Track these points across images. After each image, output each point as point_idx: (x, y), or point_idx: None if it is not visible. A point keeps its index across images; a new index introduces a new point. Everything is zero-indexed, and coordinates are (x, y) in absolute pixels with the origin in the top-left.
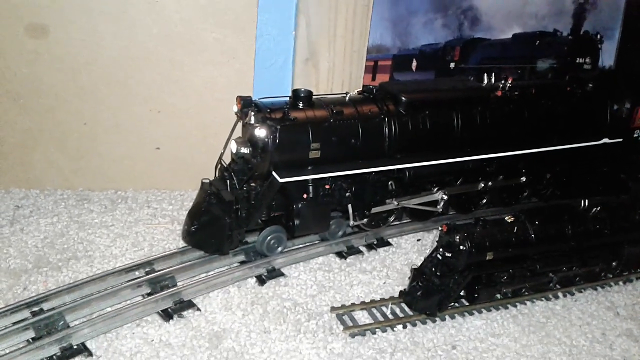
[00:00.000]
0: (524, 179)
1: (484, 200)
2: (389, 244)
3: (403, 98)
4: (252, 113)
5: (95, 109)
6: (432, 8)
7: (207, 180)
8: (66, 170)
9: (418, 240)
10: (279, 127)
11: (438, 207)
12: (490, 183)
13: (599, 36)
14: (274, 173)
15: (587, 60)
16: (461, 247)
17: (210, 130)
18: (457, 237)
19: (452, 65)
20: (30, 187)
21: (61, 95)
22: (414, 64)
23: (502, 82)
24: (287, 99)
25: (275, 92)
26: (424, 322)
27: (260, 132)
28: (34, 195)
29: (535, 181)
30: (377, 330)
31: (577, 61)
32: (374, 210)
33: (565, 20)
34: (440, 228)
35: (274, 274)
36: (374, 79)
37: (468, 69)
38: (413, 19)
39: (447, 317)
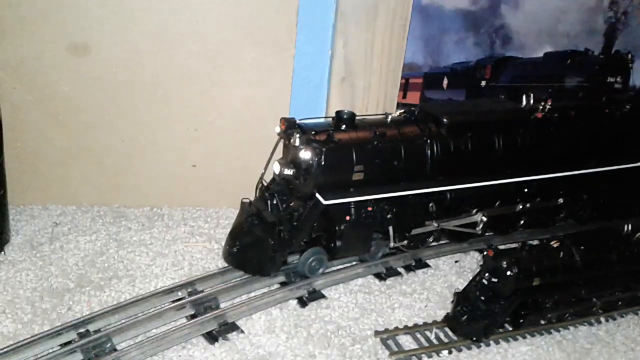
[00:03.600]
0: (561, 200)
1: (522, 222)
2: (427, 265)
3: (445, 120)
4: (298, 135)
5: (134, 126)
6: (464, 26)
7: (247, 200)
8: (102, 187)
9: (456, 261)
10: (324, 149)
11: (477, 228)
12: (528, 205)
13: (630, 55)
14: (317, 195)
15: (618, 79)
16: (508, 273)
17: (246, 148)
18: (504, 262)
19: (483, 83)
20: (67, 204)
21: (100, 113)
22: (445, 82)
23: (542, 103)
24: (330, 120)
25: (310, 111)
26: (469, 348)
27: (305, 155)
28: (71, 212)
29: (572, 202)
30: (422, 355)
31: (608, 80)
32: (414, 231)
33: (597, 39)
34: (485, 253)
35: (315, 295)
36: (404, 97)
37: (499, 87)
38: (445, 37)
39: (491, 342)
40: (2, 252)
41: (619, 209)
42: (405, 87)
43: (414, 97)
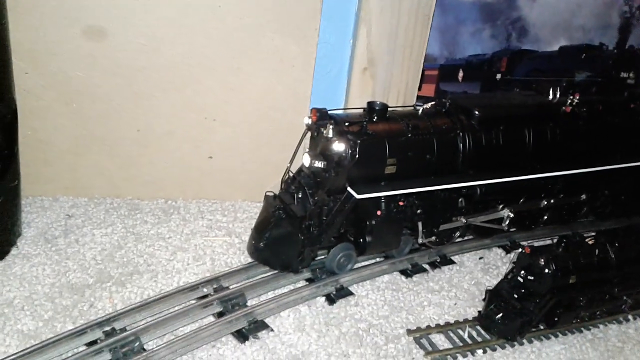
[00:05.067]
0: (584, 196)
1: (545, 218)
2: (452, 261)
3: (476, 112)
4: (331, 126)
5: (149, 115)
6: (481, 18)
7: (272, 194)
8: (116, 178)
9: (480, 258)
10: (358, 141)
11: (503, 224)
12: (552, 200)
13: None
14: (349, 189)
15: (631, 74)
16: (546, 271)
17: (264, 139)
18: (542, 259)
19: (498, 76)
20: (78, 195)
21: (115, 101)
22: (461, 74)
23: (571, 97)
24: (361, 111)
25: (329, 102)
26: (503, 347)
27: (339, 146)
28: (83, 203)
29: (594, 198)
30: (457, 355)
31: (621, 75)
32: (442, 227)
33: (611, 34)
34: (521, 250)
35: (343, 292)
36: (419, 89)
37: (514, 80)
38: (461, 29)
39: (525, 341)
40: (16, 246)
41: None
42: (420, 79)
43: (429, 90)
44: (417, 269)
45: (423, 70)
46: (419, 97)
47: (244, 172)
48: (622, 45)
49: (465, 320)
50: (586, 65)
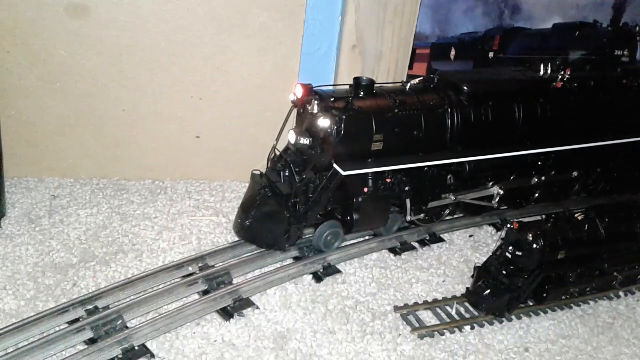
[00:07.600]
0: (575, 173)
1: (536, 195)
2: (441, 239)
3: (465, 88)
4: (316, 102)
5: (135, 94)
6: None
7: (258, 172)
8: (102, 159)
9: (470, 236)
10: (344, 117)
11: (493, 202)
12: (543, 177)
13: (637, 28)
14: (335, 165)
15: (625, 52)
16: (534, 246)
17: (252, 119)
18: (530, 235)
19: (490, 54)
20: (63, 176)
21: (100, 80)
22: (453, 52)
23: (562, 73)
24: (347, 87)
25: (317, 80)
26: (491, 323)
27: (324, 122)
28: (68, 184)
29: (585, 175)
30: (445, 331)
31: (615, 53)
32: (431, 204)
33: (606, 11)
34: (509, 225)
35: (330, 270)
36: (411, 67)
37: (507, 59)
38: (453, 6)
39: (513, 317)
40: None
41: (632, 182)
42: (411, 58)
43: (420, 69)
44: (405, 247)
45: (414, 49)
46: (410, 76)
47: (232, 152)
48: (617, 22)
49: (454, 297)
50: (580, 42)
